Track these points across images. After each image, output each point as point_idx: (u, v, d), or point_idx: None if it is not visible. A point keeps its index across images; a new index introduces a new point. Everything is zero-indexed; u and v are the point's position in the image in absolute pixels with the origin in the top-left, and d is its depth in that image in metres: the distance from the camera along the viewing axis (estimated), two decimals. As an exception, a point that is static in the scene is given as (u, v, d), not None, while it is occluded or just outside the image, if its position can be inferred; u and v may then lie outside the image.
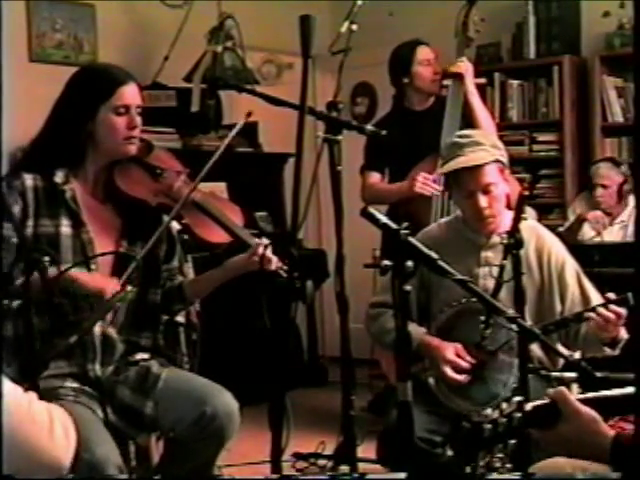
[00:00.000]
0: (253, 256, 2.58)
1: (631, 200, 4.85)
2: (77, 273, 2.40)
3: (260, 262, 2.56)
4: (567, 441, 1.61)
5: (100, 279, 2.45)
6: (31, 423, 1.48)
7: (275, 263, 2.57)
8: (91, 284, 2.41)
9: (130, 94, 2.56)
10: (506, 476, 2.33)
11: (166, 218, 2.59)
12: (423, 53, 4.35)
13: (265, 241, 2.62)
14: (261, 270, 2.57)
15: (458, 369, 2.78)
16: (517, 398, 1.64)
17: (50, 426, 1.50)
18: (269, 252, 2.59)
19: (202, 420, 2.49)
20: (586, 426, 1.60)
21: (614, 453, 1.58)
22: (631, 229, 4.75)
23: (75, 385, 2.48)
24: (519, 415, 1.60)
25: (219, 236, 2.69)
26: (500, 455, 2.43)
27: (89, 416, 2.41)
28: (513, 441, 1.62)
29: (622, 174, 4.81)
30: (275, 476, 2.40)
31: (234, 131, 2.60)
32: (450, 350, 2.79)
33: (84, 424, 2.33)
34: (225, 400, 2.54)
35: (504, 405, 1.62)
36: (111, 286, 2.35)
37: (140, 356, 2.65)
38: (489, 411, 1.62)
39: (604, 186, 4.84)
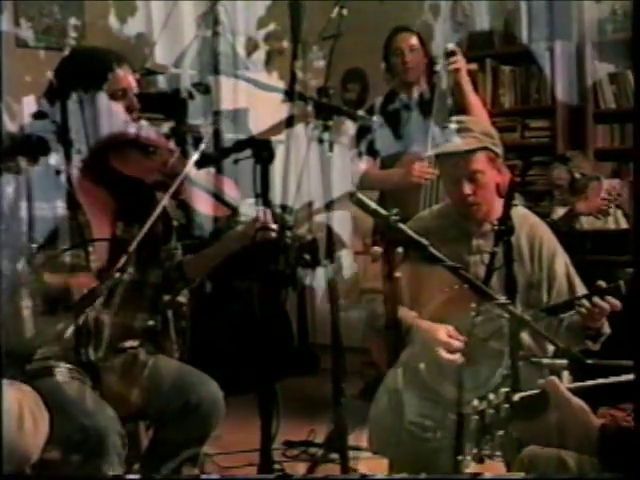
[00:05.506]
0: (254, 224, 2.56)
1: (604, 187, 4.88)
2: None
3: (259, 230, 2.53)
4: (555, 430, 1.60)
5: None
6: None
7: (275, 232, 2.55)
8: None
9: (123, 78, 2.54)
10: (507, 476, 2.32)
11: (160, 196, 2.57)
12: (398, 41, 4.24)
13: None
14: (259, 243, 2.54)
15: (451, 350, 2.77)
16: (504, 389, 1.63)
17: (19, 417, 1.49)
18: (270, 221, 2.56)
19: (186, 408, 2.49)
20: (575, 416, 1.59)
21: (601, 444, 1.57)
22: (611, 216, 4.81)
23: (69, 366, 2.48)
24: (507, 406, 1.59)
25: (218, 209, 2.67)
26: (489, 445, 2.42)
27: (86, 388, 2.42)
28: (501, 432, 1.61)
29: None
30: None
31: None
32: (442, 331, 2.78)
33: (82, 394, 2.36)
34: (210, 389, 2.54)
35: (491, 396, 1.61)
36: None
37: (129, 343, 2.64)
38: (476, 402, 1.60)
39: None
